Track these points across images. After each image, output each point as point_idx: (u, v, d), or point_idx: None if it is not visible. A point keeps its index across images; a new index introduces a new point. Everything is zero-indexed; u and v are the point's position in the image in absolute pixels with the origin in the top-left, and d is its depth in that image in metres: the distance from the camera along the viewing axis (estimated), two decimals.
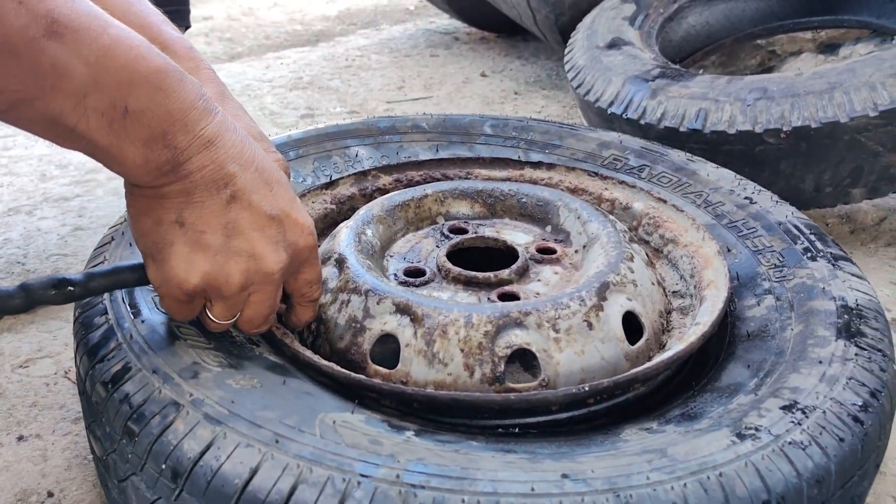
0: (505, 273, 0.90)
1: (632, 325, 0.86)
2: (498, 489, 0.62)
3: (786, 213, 1.04)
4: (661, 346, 0.88)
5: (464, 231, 1.00)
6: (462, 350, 0.79)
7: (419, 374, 0.80)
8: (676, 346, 0.82)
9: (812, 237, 0.99)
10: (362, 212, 0.99)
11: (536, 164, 1.13)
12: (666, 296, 0.95)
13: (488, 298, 0.88)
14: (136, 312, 0.80)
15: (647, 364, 0.80)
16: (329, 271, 0.89)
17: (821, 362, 0.79)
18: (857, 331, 0.83)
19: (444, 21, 2.93)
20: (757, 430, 0.70)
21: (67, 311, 1.24)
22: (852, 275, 0.92)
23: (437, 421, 0.76)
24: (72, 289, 0.73)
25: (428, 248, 0.98)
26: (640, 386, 0.81)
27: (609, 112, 1.48)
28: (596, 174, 1.11)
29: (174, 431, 0.68)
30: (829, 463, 0.68)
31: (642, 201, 1.06)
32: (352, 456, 0.65)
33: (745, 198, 1.07)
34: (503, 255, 0.96)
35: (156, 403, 0.70)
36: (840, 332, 0.83)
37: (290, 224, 0.74)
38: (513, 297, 0.88)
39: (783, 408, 0.73)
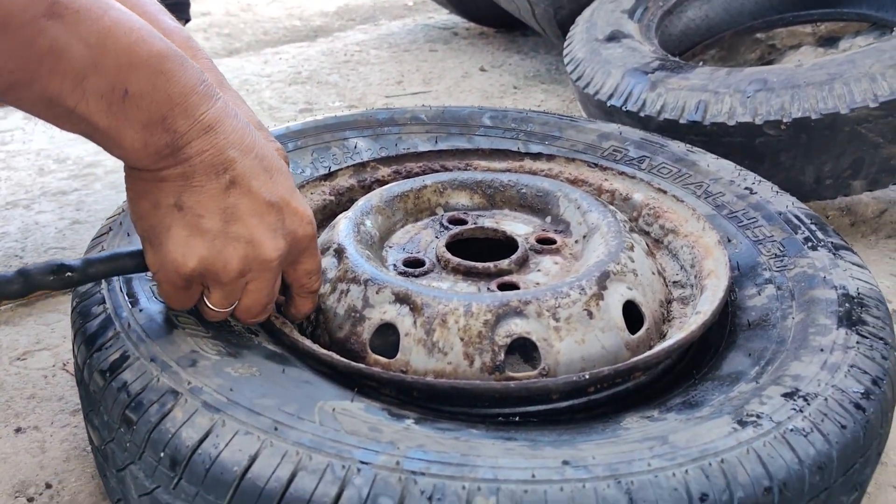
0: (504, 263, 0.90)
1: (632, 314, 0.85)
2: (498, 476, 0.62)
3: (786, 203, 1.04)
4: (662, 336, 0.88)
5: (463, 222, 1.00)
6: (462, 339, 0.79)
7: (419, 364, 0.79)
8: (677, 334, 0.82)
9: (813, 227, 0.98)
10: (361, 202, 0.99)
11: (536, 156, 1.13)
12: (666, 286, 0.95)
13: (488, 288, 0.87)
14: (134, 301, 0.79)
15: (648, 352, 0.80)
16: (328, 261, 0.89)
17: (822, 350, 0.79)
18: (858, 319, 0.83)
19: (443, 16, 2.93)
20: (758, 417, 0.70)
21: (65, 304, 1.24)
22: (853, 264, 0.92)
23: (437, 409, 0.75)
24: (70, 274, 0.72)
25: (427, 238, 0.97)
26: (641, 374, 0.81)
27: (609, 105, 1.48)
28: (596, 165, 1.11)
29: (172, 419, 0.68)
30: (831, 450, 0.68)
31: (642, 192, 1.06)
32: (351, 443, 0.64)
33: (746, 188, 1.07)
34: (503, 245, 0.96)
35: (154, 392, 0.70)
36: (841, 321, 0.82)
37: (290, 212, 0.74)
38: (512, 287, 0.87)
39: (785, 395, 0.73)
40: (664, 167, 1.13)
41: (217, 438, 0.65)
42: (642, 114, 1.42)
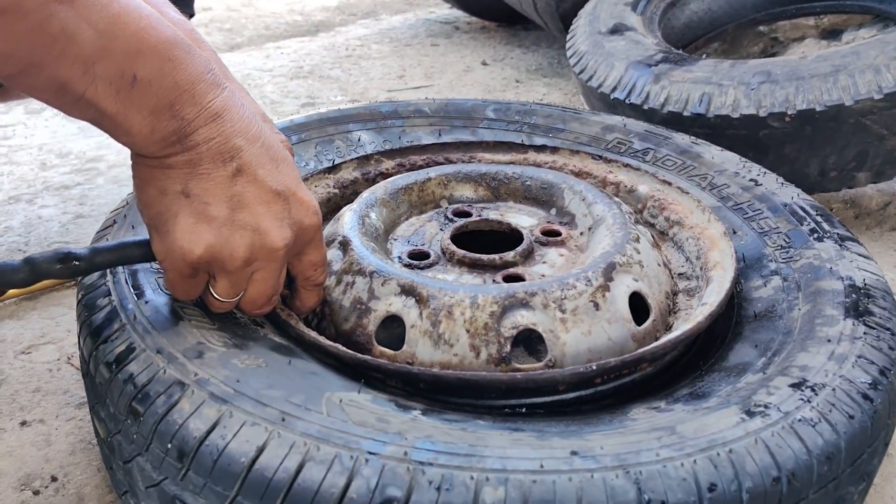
0: (510, 255, 0.90)
1: (638, 306, 0.85)
2: (507, 466, 0.62)
3: (791, 194, 1.03)
4: (668, 328, 0.88)
5: (468, 214, 1.00)
6: (468, 331, 0.79)
7: (425, 355, 0.79)
8: (684, 325, 0.82)
9: (818, 218, 0.98)
10: (366, 195, 0.98)
11: (540, 148, 1.12)
12: (672, 277, 0.95)
13: (493, 280, 0.87)
14: (140, 294, 0.79)
15: (656, 343, 0.80)
16: (333, 254, 0.89)
17: (829, 341, 0.78)
18: (865, 310, 0.82)
19: (444, 11, 2.92)
20: (766, 407, 0.69)
21: (70, 298, 1.24)
22: (859, 255, 0.92)
23: (444, 401, 0.75)
24: (77, 263, 0.72)
25: (432, 231, 0.97)
26: (648, 366, 0.81)
27: (612, 97, 1.47)
28: (600, 157, 1.10)
29: (180, 411, 0.67)
30: (840, 440, 0.68)
31: (647, 184, 1.06)
32: (359, 434, 0.64)
33: (751, 180, 1.07)
34: (508, 238, 0.96)
35: (161, 383, 0.70)
36: (848, 312, 0.82)
37: (296, 202, 0.74)
38: (518, 279, 0.87)
39: (792, 385, 0.72)
40: (669, 159, 1.13)
41: (224, 429, 0.65)
42: (646, 106, 1.41)
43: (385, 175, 1.09)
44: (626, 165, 1.08)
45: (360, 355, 0.77)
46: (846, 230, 0.97)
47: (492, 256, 0.89)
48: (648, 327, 0.84)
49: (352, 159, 1.09)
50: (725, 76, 1.37)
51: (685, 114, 1.36)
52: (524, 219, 1.00)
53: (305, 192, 0.75)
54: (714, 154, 1.12)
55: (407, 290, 0.81)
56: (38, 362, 1.11)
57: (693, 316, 0.84)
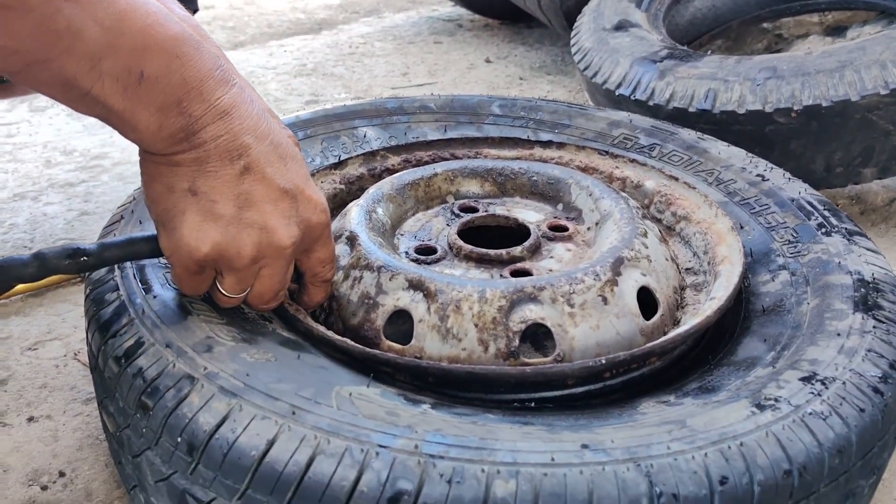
0: (517, 250, 0.89)
1: (646, 300, 0.85)
2: (517, 459, 0.62)
3: (798, 189, 1.03)
4: (676, 323, 0.88)
5: (474, 210, 0.99)
6: (476, 325, 0.79)
7: (433, 350, 0.79)
8: (693, 319, 0.82)
9: (826, 213, 0.98)
10: (372, 190, 0.98)
11: (546, 144, 1.12)
12: (680, 272, 0.95)
13: (500, 275, 0.87)
14: (148, 288, 0.79)
15: (665, 337, 0.80)
16: (340, 249, 0.89)
17: (839, 335, 0.78)
18: (874, 304, 0.82)
19: (447, 8, 2.92)
20: (776, 400, 0.69)
21: (76, 295, 1.24)
22: (867, 249, 0.92)
23: (452, 395, 0.75)
24: (86, 259, 0.72)
25: (438, 226, 0.97)
26: (657, 360, 0.81)
27: (617, 94, 1.47)
28: (606, 153, 1.10)
29: (189, 405, 0.67)
30: (850, 433, 0.68)
31: (654, 179, 1.06)
32: (369, 427, 0.64)
33: (758, 175, 1.07)
34: (515, 233, 0.95)
35: (170, 377, 0.69)
36: (857, 306, 0.82)
37: (304, 200, 0.74)
38: (525, 273, 0.87)
39: (802, 379, 0.72)
40: (675, 154, 1.12)
41: (234, 423, 0.65)
42: (651, 103, 1.41)
43: (391, 171, 1.09)
44: (633, 161, 1.08)
45: (369, 350, 0.77)
46: (854, 225, 0.97)
47: (499, 251, 0.89)
48: (657, 322, 0.84)
49: (358, 155, 1.09)
50: (731, 72, 1.37)
51: (691, 110, 1.36)
52: (531, 214, 0.99)
53: (314, 189, 0.75)
54: (721, 149, 1.12)
55: (415, 285, 0.81)
56: (44, 358, 1.11)
57: (702, 310, 0.84)
